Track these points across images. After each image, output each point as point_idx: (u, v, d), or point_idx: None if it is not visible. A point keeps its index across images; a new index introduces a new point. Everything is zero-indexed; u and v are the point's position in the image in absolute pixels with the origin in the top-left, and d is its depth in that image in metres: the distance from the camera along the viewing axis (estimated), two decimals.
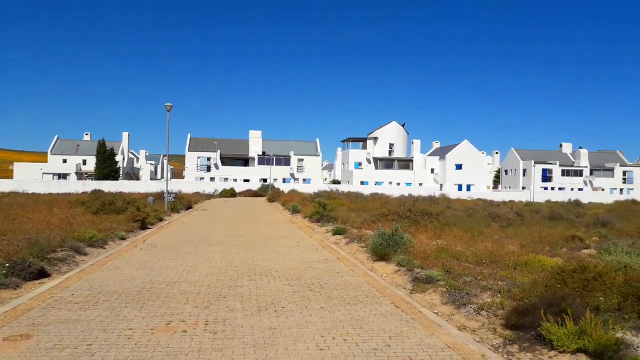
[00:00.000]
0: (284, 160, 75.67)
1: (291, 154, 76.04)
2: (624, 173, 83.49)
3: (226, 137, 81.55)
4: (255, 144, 76.36)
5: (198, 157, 74.41)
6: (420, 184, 74.22)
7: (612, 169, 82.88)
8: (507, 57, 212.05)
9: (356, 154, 79.88)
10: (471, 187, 74.96)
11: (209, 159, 74.41)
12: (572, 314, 5.73)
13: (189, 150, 74.60)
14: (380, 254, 11.91)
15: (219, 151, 74.38)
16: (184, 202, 32.19)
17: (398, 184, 73.95)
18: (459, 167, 76.78)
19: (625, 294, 7.14)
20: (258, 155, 75.39)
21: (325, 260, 12.18)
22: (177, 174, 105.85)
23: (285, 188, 59.35)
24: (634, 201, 48.97)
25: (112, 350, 5.50)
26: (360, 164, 78.64)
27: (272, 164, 72.78)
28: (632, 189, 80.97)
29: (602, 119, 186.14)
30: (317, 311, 7.29)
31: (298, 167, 75.98)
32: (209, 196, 52.25)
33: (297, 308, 7.45)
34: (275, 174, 72.45)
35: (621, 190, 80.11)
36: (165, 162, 51.25)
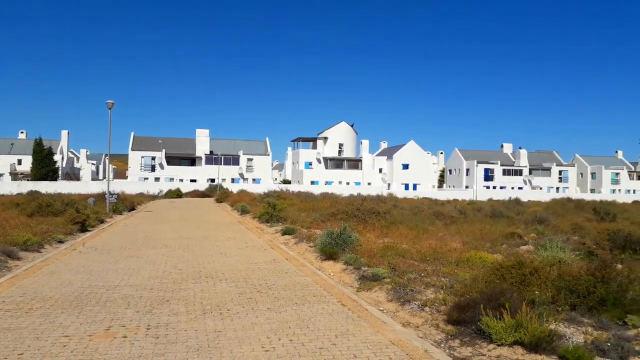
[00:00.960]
0: (233, 160, 74.69)
1: (240, 153, 75.17)
2: (560, 172, 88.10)
3: (172, 135, 79.63)
4: (203, 143, 74.91)
5: (142, 157, 72.16)
6: (369, 184, 75.31)
7: (549, 169, 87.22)
8: (449, 57, 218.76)
9: (306, 153, 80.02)
10: (417, 186, 76.81)
11: (153, 158, 72.30)
12: (510, 308, 5.96)
13: (132, 150, 72.22)
14: (329, 253, 11.97)
15: (164, 150, 72.44)
16: (126, 204, 31.13)
17: (348, 183, 74.71)
18: (405, 167, 78.51)
19: (559, 287, 7.51)
20: (205, 154, 74.01)
21: (273, 260, 12.10)
22: (120, 174, 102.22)
23: (234, 188, 58.62)
24: (568, 199, 51.68)
25: (45, 359, 5.22)
26: (310, 163, 78.85)
27: (221, 164, 71.67)
28: (567, 187, 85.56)
29: (540, 120, 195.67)
30: (264, 312, 7.22)
31: (247, 166, 75.23)
32: (154, 197, 50.82)
33: (244, 310, 7.35)
34: (224, 173, 71.40)
35: (557, 188, 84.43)
36: (107, 161, 49.20)
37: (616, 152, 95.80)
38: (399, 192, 62.79)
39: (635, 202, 55.06)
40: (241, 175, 74.33)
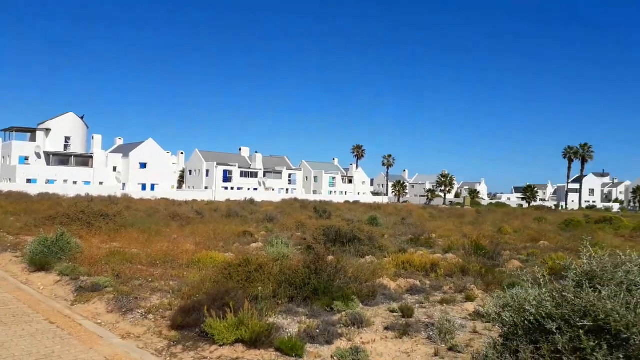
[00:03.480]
0: None
1: None
2: (289, 175, 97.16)
3: None
4: None
5: None
6: (101, 183, 69.13)
7: (280, 172, 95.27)
8: (188, 56, 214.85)
9: (22, 146, 68.46)
10: (156, 186, 74.11)
11: None
12: (234, 307, 6.02)
13: None
14: (40, 264, 10.31)
15: None
16: None
17: (75, 182, 66.93)
18: (143, 165, 74.83)
19: (280, 281, 8.02)
20: None
21: None
22: None
23: None
24: (296, 199, 57.59)
25: None
26: (27, 158, 67.79)
27: None
28: (295, 189, 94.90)
29: (273, 126, 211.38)
30: None
31: None
32: None
33: None
34: None
35: (287, 190, 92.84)
36: None
37: (333, 159, 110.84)
38: (136, 193, 59.48)
39: (346, 201, 64.76)
40: None
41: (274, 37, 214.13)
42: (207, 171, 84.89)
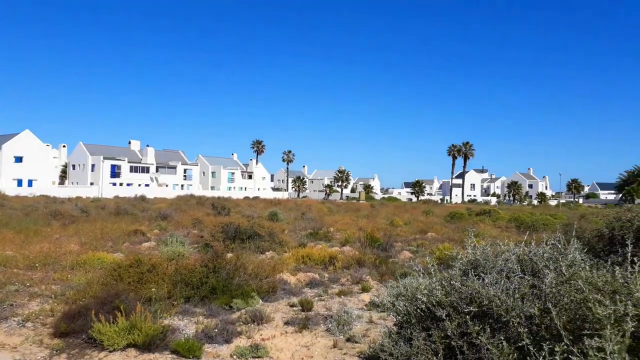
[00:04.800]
0: None
1: None
2: (185, 171, 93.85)
3: None
4: None
5: None
6: None
7: (175, 167, 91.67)
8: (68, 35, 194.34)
9: None
10: (34, 182, 67.68)
11: None
12: (125, 310, 5.68)
13: None
14: None
15: None
16: None
17: None
18: (19, 159, 67.93)
19: (175, 281, 7.71)
20: None
21: None
22: None
23: None
24: (192, 196, 55.88)
25: None
26: None
27: None
28: (191, 184, 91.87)
29: (166, 120, 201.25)
30: None
31: None
32: None
33: None
34: None
35: (182, 186, 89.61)
36: None
37: (232, 154, 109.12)
38: (10, 189, 53.86)
39: (246, 197, 64.06)
40: None
41: (173, 24, 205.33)
42: (93, 166, 79.26)
